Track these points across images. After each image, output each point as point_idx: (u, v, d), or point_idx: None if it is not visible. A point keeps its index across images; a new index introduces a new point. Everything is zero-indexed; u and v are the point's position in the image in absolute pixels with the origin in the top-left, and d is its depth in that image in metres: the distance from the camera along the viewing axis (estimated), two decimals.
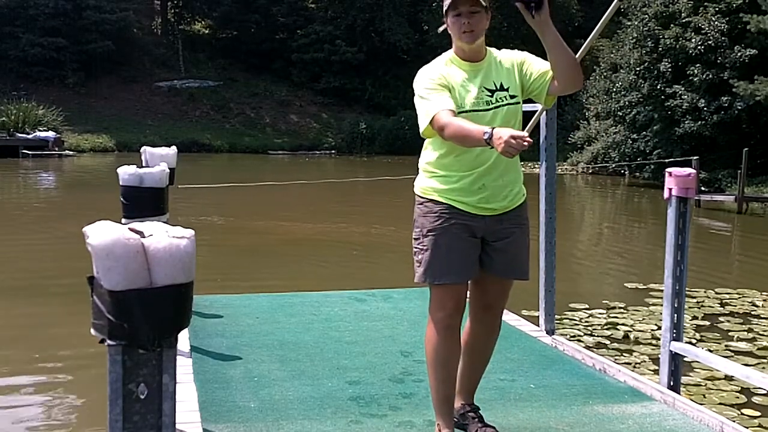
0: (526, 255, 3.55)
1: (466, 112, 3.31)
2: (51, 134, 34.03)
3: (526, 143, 2.92)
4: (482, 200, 3.38)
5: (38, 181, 25.76)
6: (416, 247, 3.45)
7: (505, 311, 5.96)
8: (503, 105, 3.37)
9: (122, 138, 37.71)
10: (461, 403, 3.61)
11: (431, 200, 3.40)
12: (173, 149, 5.31)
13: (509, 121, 3.36)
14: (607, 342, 7.50)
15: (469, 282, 3.47)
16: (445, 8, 3.43)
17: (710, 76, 25.09)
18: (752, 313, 8.88)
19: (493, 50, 3.50)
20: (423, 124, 3.30)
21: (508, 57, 3.48)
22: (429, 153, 3.46)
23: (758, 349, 7.40)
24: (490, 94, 3.37)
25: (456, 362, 3.46)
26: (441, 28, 3.54)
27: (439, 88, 3.30)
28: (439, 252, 3.35)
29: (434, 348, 3.40)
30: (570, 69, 3.35)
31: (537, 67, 3.43)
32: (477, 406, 3.64)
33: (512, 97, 3.40)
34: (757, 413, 5.76)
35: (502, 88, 3.40)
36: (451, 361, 3.42)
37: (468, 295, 3.52)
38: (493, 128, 3.01)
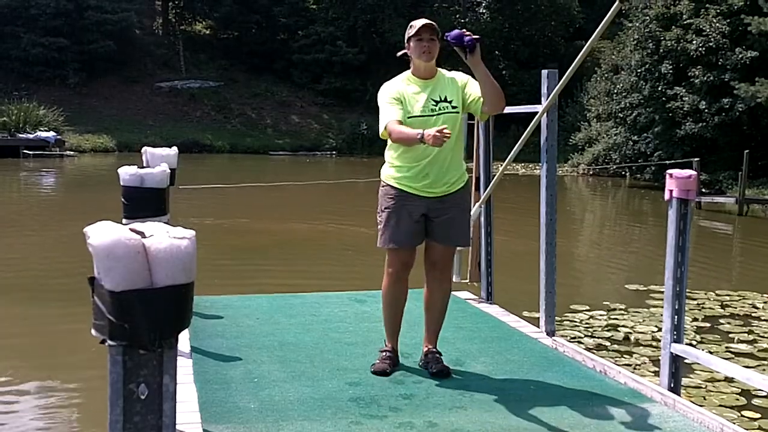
0: (466, 227, 4.62)
1: (416, 117, 4.29)
2: (52, 134, 34.02)
3: (447, 132, 3.90)
4: (426, 186, 4.33)
5: (39, 181, 25.76)
6: (378, 219, 4.46)
7: (506, 312, 6.01)
8: (445, 112, 4.31)
9: (123, 138, 37.71)
10: (426, 348, 4.62)
11: (389, 185, 4.43)
12: (174, 150, 5.30)
13: (450, 124, 4.24)
14: (608, 343, 7.50)
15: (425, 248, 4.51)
16: (409, 35, 4.36)
17: (711, 77, 25.09)
18: (753, 315, 8.88)
19: (443, 71, 4.44)
20: (380, 129, 4.32)
21: (456, 77, 4.41)
22: (389, 149, 4.45)
23: (759, 351, 7.41)
24: (435, 103, 4.31)
25: (401, 305, 4.55)
26: (400, 53, 4.52)
27: (394, 101, 4.31)
28: (390, 225, 4.38)
29: (386, 293, 4.53)
30: (494, 97, 4.24)
31: (474, 90, 4.32)
32: (438, 350, 4.59)
33: (453, 107, 4.34)
34: (758, 415, 5.77)
35: (445, 100, 4.33)
36: (398, 303, 4.54)
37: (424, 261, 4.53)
38: (424, 130, 3.99)
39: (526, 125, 5.55)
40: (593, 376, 4.57)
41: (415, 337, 5.16)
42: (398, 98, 4.31)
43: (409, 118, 4.26)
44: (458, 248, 6.33)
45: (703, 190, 22.06)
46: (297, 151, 42.26)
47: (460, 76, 4.41)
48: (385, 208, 4.41)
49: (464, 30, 4.21)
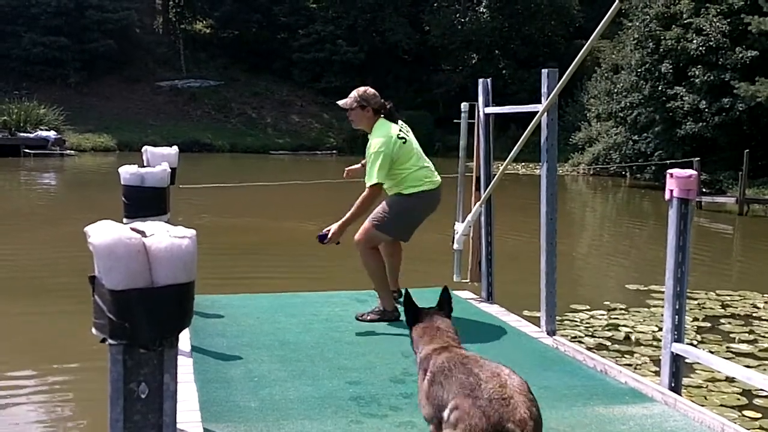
0: (378, 210, 5.69)
1: None
2: (52, 134, 34.01)
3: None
4: None
5: (40, 180, 25.77)
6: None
7: (506, 312, 6.01)
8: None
9: (123, 137, 37.70)
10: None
11: None
12: (174, 149, 5.30)
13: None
14: (608, 343, 7.50)
15: None
16: None
17: (711, 77, 25.09)
18: (753, 314, 8.88)
19: (373, 132, 5.71)
20: None
21: (370, 144, 5.68)
22: None
23: (759, 350, 7.40)
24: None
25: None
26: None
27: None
28: None
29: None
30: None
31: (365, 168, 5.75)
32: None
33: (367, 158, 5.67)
34: (758, 415, 5.76)
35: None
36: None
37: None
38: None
39: (526, 125, 5.55)
40: (594, 375, 4.57)
41: None
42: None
43: None
44: (457, 248, 6.39)
45: (704, 189, 22.06)
46: (297, 150, 42.25)
47: (370, 144, 5.66)
48: None
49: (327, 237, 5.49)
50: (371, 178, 5.50)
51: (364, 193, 5.53)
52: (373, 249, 5.70)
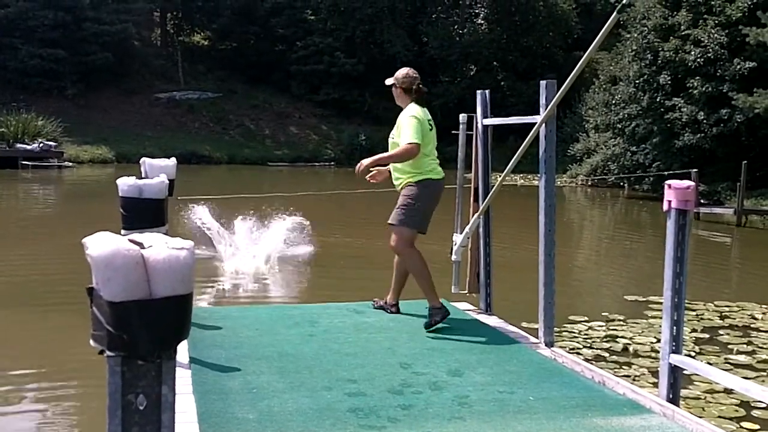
0: (398, 210, 5.88)
1: None
2: (50, 145, 33.99)
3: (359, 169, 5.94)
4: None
5: (37, 192, 25.75)
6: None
7: (504, 323, 6.01)
8: (391, 141, 6.00)
9: (121, 149, 37.67)
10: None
11: None
12: (172, 161, 5.31)
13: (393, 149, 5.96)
14: (606, 354, 7.49)
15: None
16: None
17: (710, 88, 25.14)
18: (751, 326, 8.87)
19: (404, 110, 5.96)
20: None
21: (400, 116, 5.92)
22: None
23: (758, 362, 7.40)
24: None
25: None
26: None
27: None
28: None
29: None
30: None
31: (396, 133, 5.92)
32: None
33: (392, 139, 5.99)
34: (756, 426, 5.76)
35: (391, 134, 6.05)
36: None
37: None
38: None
39: (524, 136, 5.57)
40: (592, 386, 4.57)
41: (414, 348, 5.16)
42: None
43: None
44: (456, 259, 6.40)
45: (702, 200, 22.08)
46: (295, 162, 42.25)
47: (400, 117, 5.87)
48: None
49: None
50: (408, 138, 5.71)
51: (400, 148, 5.75)
52: (412, 248, 5.86)
